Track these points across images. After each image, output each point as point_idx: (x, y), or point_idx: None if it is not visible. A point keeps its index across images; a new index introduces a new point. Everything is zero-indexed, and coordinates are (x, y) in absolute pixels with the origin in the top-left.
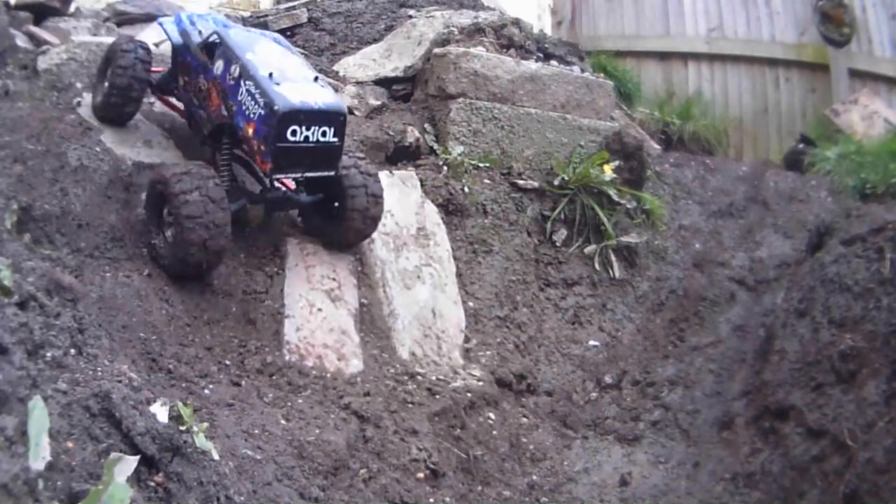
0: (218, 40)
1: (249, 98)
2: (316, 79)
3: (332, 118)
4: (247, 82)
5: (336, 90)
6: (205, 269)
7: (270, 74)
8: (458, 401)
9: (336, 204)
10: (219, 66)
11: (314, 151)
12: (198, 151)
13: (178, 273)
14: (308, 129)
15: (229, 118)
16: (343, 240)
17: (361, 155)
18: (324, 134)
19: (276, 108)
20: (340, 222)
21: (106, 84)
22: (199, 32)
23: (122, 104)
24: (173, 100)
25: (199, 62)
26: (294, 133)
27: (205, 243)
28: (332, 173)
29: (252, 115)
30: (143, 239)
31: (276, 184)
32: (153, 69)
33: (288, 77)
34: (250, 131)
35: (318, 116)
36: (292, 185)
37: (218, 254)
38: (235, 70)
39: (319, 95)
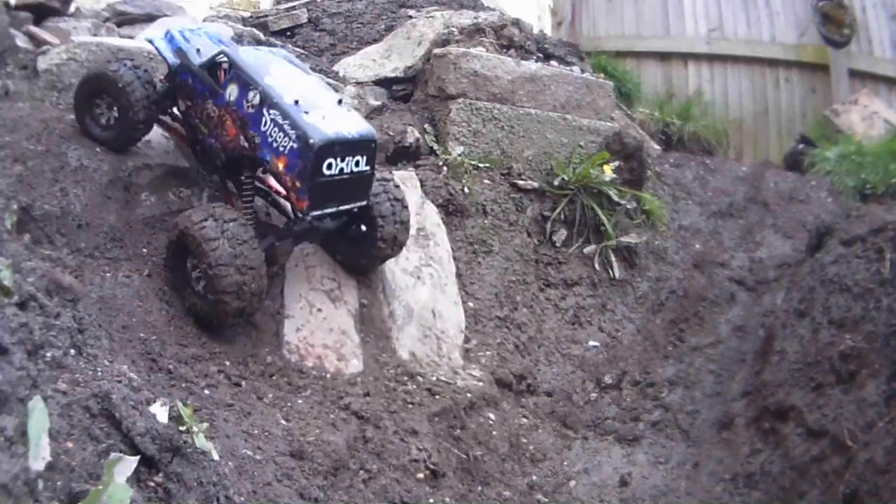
0: (227, 62)
1: (277, 129)
2: (340, 101)
3: (365, 146)
4: (271, 111)
5: (337, 89)
6: (246, 315)
7: (296, 102)
8: (457, 401)
9: (363, 228)
10: (232, 91)
11: (348, 183)
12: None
13: (218, 324)
14: (343, 160)
15: (251, 150)
16: (370, 265)
17: (389, 176)
18: (357, 164)
19: (311, 141)
20: (368, 248)
21: (114, 116)
22: (198, 51)
23: (137, 137)
24: (168, 120)
25: (204, 86)
26: (330, 166)
27: (241, 288)
28: (365, 203)
29: (282, 149)
30: (173, 294)
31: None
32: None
33: (314, 103)
34: (281, 166)
35: (352, 146)
36: None
37: (258, 296)
38: (255, 97)
39: (350, 123)
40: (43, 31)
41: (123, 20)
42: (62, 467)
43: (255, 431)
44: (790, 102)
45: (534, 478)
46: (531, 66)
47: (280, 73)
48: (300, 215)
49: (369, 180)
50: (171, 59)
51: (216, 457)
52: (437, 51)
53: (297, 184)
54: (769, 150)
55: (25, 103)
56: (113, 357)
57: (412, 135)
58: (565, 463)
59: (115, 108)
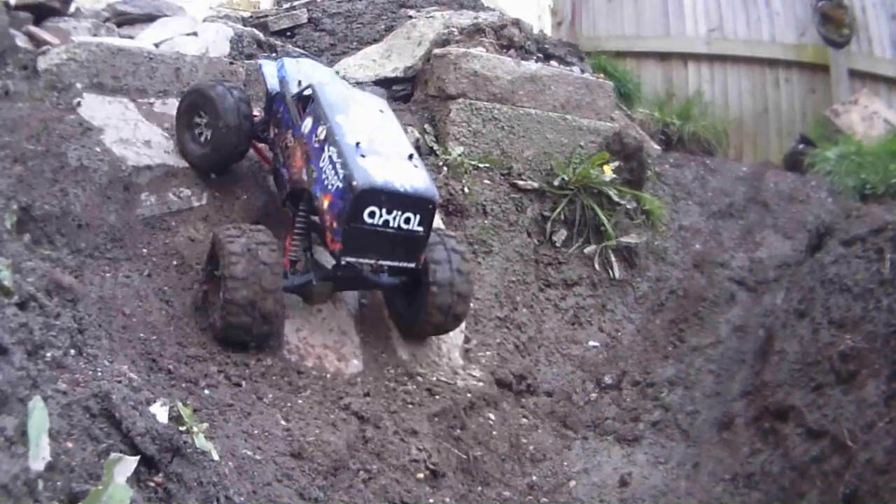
0: (311, 95)
1: (330, 167)
2: (411, 156)
3: (420, 204)
4: (331, 148)
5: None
6: (254, 333)
7: (358, 143)
8: (457, 401)
9: (413, 290)
10: (307, 124)
11: (393, 238)
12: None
13: (230, 338)
14: (389, 212)
15: (308, 184)
16: (421, 331)
17: (458, 247)
18: (407, 220)
19: (354, 183)
20: (418, 314)
21: (209, 137)
22: (299, 83)
23: (231, 160)
24: (262, 147)
25: (289, 116)
26: (372, 215)
27: (252, 304)
28: (413, 265)
29: (330, 187)
30: (196, 258)
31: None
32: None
33: (377, 149)
34: (326, 204)
35: (403, 200)
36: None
37: (266, 318)
38: (322, 132)
39: (409, 176)
40: (43, 31)
41: (123, 20)
42: (62, 467)
43: (255, 431)
44: (790, 102)
45: (534, 478)
46: (531, 66)
47: (357, 114)
48: (334, 257)
49: (420, 242)
50: (273, 86)
51: (216, 457)
52: (437, 51)
53: (335, 224)
54: (769, 150)
55: (25, 103)
56: (113, 357)
57: (412, 135)
58: (565, 463)
59: (210, 130)
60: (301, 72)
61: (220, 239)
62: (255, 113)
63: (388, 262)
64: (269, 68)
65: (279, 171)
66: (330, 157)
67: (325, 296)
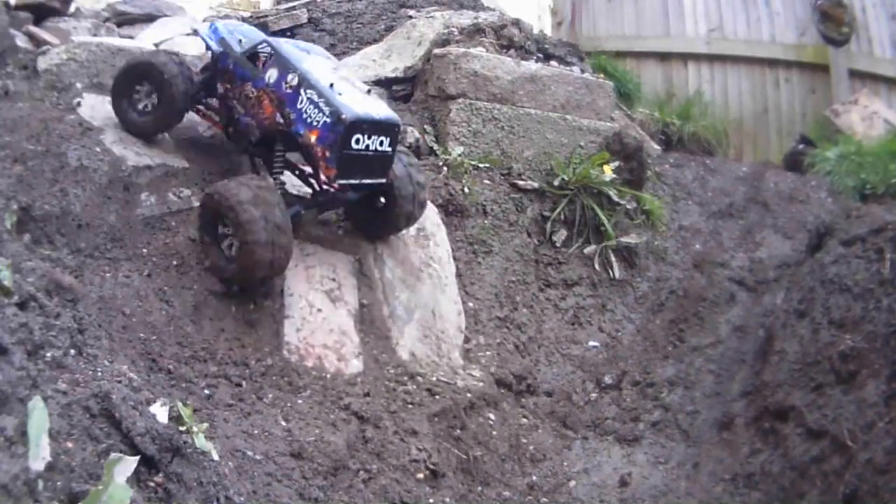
0: (270, 50)
1: (312, 106)
2: (369, 91)
3: (389, 129)
4: (308, 91)
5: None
6: (275, 267)
7: (331, 85)
8: (457, 401)
9: (383, 201)
10: (271, 74)
11: (372, 160)
12: (199, 154)
13: (243, 280)
14: (369, 138)
15: (286, 125)
16: (394, 226)
17: (415, 161)
18: (381, 143)
19: (343, 116)
20: (385, 220)
21: (153, 102)
22: (240, 41)
23: (170, 124)
24: (203, 109)
25: (244, 70)
26: (357, 141)
27: (272, 245)
28: (384, 180)
29: (315, 123)
30: (196, 258)
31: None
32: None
33: (346, 89)
34: (313, 138)
35: (378, 127)
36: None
37: (285, 252)
38: (293, 79)
39: (378, 107)
40: (43, 31)
41: (123, 20)
42: (62, 467)
43: (255, 431)
44: (790, 102)
45: (534, 478)
46: (531, 66)
47: (315, 63)
48: (327, 182)
49: (390, 160)
50: (216, 47)
51: (216, 457)
52: (437, 51)
53: (328, 154)
54: (769, 150)
55: (25, 103)
56: (113, 357)
57: (412, 135)
58: (565, 463)
59: (156, 97)
60: (237, 31)
61: (222, 194)
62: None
63: (369, 180)
64: (206, 31)
65: (240, 120)
66: (310, 98)
67: (310, 222)
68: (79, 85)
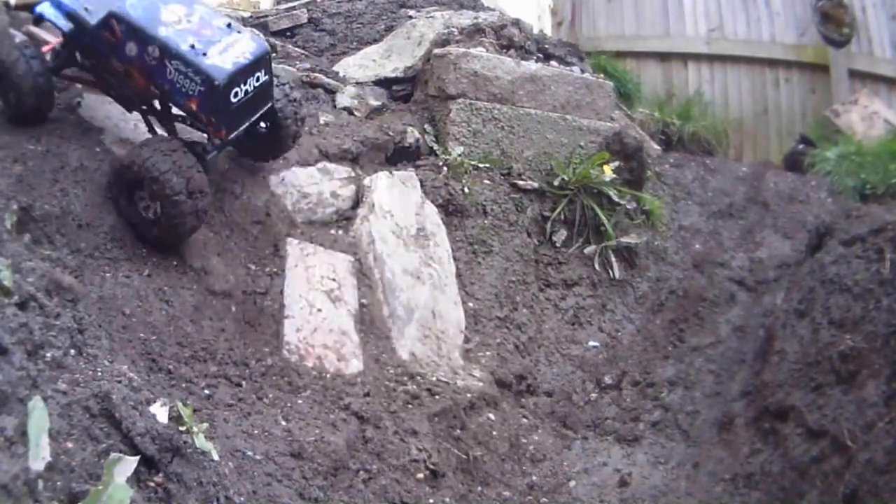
0: (119, 19)
1: (181, 76)
2: (229, 25)
3: (261, 62)
4: (173, 62)
5: (336, 90)
6: (199, 210)
7: (193, 46)
8: (457, 401)
9: (264, 126)
10: (131, 47)
11: (255, 97)
12: None
13: (166, 242)
14: (245, 83)
15: (163, 97)
16: (281, 148)
17: (285, 80)
18: (257, 79)
19: (216, 83)
20: (273, 144)
21: (11, 95)
22: (86, 10)
23: (38, 108)
24: (79, 74)
25: (104, 44)
26: (236, 95)
27: (196, 210)
28: (270, 104)
29: (191, 93)
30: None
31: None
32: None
33: (207, 39)
34: (194, 106)
35: (250, 67)
36: None
37: (203, 192)
38: (154, 50)
39: (243, 47)
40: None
41: None
42: (62, 467)
43: (255, 431)
44: (790, 102)
45: (534, 478)
46: (531, 66)
47: (171, 18)
48: (221, 142)
49: (270, 87)
50: (65, 24)
51: (216, 457)
52: (437, 51)
53: (213, 119)
54: (769, 150)
55: None
56: (113, 357)
57: (412, 135)
58: (565, 463)
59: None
60: (81, 1)
61: (143, 165)
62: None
63: (258, 114)
64: (50, 11)
65: (119, 93)
66: (177, 68)
67: (215, 165)
68: (79, 84)
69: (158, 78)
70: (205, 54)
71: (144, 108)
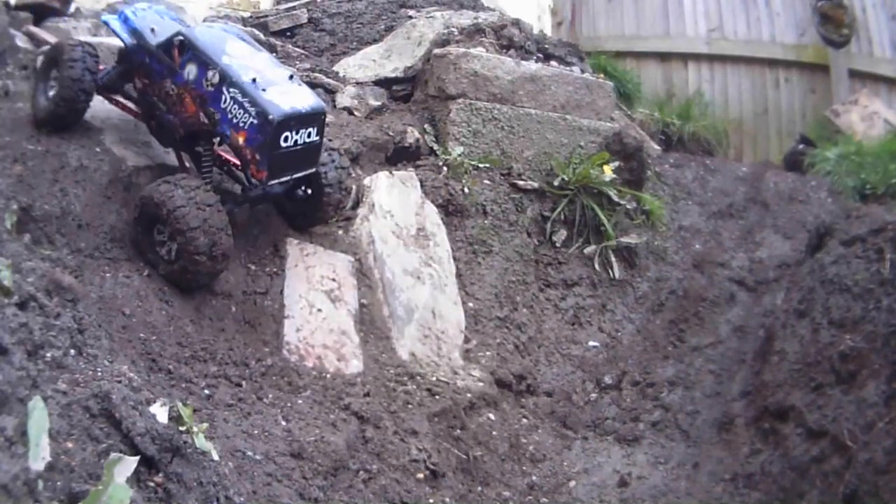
0: (184, 41)
1: (236, 106)
2: (291, 77)
3: (316, 119)
4: (231, 90)
5: (336, 90)
6: (215, 272)
7: (254, 80)
8: (457, 401)
9: (308, 192)
10: (190, 70)
11: (302, 153)
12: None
13: (185, 283)
14: (297, 133)
15: (211, 125)
16: (323, 216)
17: (335, 146)
18: (309, 135)
19: (271, 117)
20: (313, 210)
21: (52, 92)
22: (152, 30)
23: (66, 115)
24: (121, 99)
25: (162, 65)
26: (286, 139)
27: (211, 250)
28: (314, 169)
29: (242, 124)
30: (139, 257)
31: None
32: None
33: (270, 80)
34: (241, 140)
35: (305, 119)
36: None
37: (225, 256)
38: (214, 76)
39: (303, 98)
40: (43, 31)
41: None
42: (62, 467)
43: (255, 431)
44: (790, 102)
45: (534, 478)
46: (531, 66)
47: (236, 52)
48: (259, 184)
49: (318, 149)
50: (128, 39)
51: (216, 457)
52: (437, 51)
53: (258, 156)
54: (769, 150)
55: (25, 103)
56: (113, 357)
57: (412, 135)
58: (565, 463)
59: (52, 79)
60: (147, 19)
61: (156, 196)
62: (101, 66)
63: (299, 174)
64: (116, 24)
65: (163, 118)
66: (233, 97)
67: (244, 218)
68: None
69: (212, 105)
70: (264, 90)
71: (181, 145)
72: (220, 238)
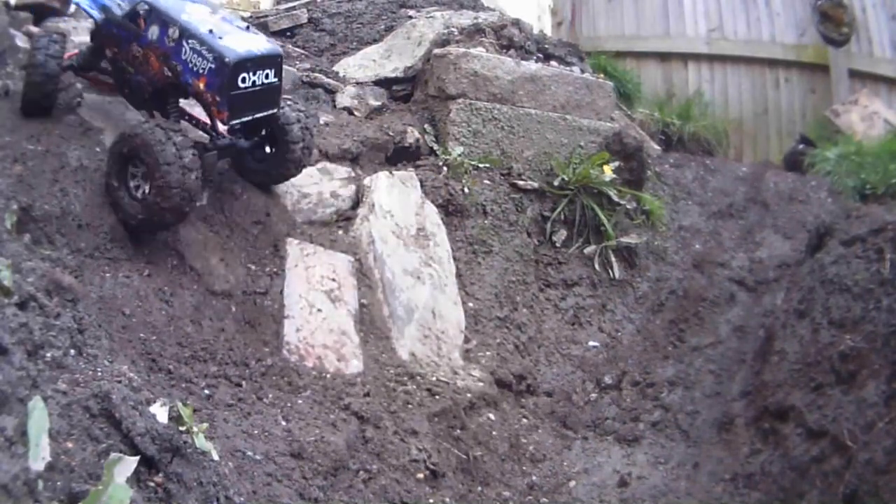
0: (148, 7)
1: (195, 55)
2: (248, 27)
3: (273, 61)
4: (189, 41)
5: (336, 90)
6: (182, 213)
7: (211, 30)
8: (457, 401)
9: (272, 149)
10: (153, 31)
11: (260, 94)
12: None
13: (150, 224)
14: (254, 74)
15: (174, 78)
16: (284, 173)
17: (304, 107)
18: (266, 76)
19: (226, 59)
20: (276, 167)
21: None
22: (119, 5)
23: (40, 99)
24: (97, 75)
25: (128, 32)
26: (244, 80)
27: (182, 185)
28: (276, 110)
29: (202, 71)
30: (107, 194)
31: (222, 131)
32: (68, 54)
33: (226, 31)
34: (202, 85)
35: (261, 61)
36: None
37: (192, 198)
38: (174, 32)
39: (258, 43)
40: (42, 32)
41: None
42: (62, 467)
43: (255, 431)
44: (790, 102)
45: (534, 478)
46: (531, 66)
47: (195, 11)
48: (223, 123)
49: (278, 90)
50: (97, 15)
51: (216, 457)
52: (437, 51)
53: (217, 98)
54: (769, 150)
55: None
56: (113, 357)
57: (412, 135)
58: (565, 463)
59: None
60: None
61: (142, 135)
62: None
63: (262, 114)
64: (85, 2)
65: (132, 80)
66: (192, 48)
67: (213, 166)
68: (79, 85)
69: (174, 58)
70: (220, 38)
71: (152, 104)
72: (190, 178)
